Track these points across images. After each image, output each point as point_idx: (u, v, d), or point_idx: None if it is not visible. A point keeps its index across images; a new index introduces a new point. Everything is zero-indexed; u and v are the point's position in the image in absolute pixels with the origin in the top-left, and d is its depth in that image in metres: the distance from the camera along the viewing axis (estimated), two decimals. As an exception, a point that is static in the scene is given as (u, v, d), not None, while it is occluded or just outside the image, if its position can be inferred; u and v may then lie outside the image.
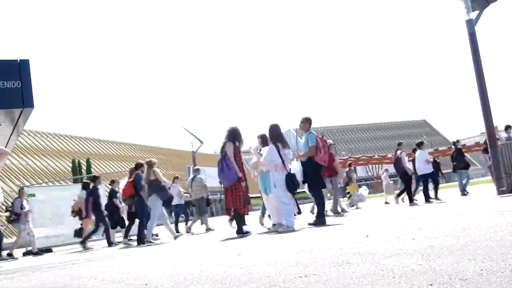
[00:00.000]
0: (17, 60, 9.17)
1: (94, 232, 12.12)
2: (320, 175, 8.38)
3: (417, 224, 5.68)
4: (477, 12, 11.94)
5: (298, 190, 8.21)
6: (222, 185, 8.35)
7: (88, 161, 51.13)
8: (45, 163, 52.10)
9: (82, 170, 47.66)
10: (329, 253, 3.87)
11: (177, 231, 12.80)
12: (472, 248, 3.14)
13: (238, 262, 4.15)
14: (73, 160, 49.62)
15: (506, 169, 11.30)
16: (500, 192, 11.12)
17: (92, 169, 50.73)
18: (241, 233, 8.08)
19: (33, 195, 15.46)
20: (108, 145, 68.06)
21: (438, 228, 4.90)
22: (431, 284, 2.27)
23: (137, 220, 10.65)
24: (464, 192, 14.14)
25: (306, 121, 8.54)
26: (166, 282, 3.48)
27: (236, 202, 8.17)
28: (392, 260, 3.10)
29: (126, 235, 11.12)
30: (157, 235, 12.38)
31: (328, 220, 8.44)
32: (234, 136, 8.36)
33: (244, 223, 8.55)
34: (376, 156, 71.34)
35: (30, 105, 9.12)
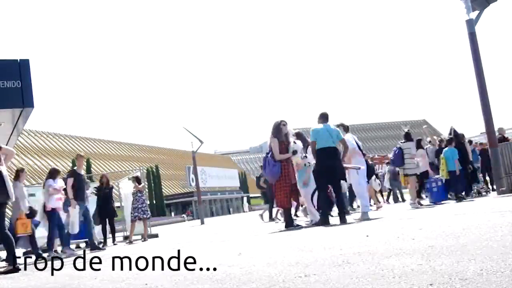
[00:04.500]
0: (17, 60, 9.16)
1: None
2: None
3: (417, 224, 5.67)
4: (477, 12, 11.95)
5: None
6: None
7: (88, 161, 51.16)
8: (45, 163, 52.07)
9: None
10: (329, 253, 3.87)
11: None
12: (472, 248, 3.14)
13: (238, 262, 4.15)
14: (73, 160, 49.58)
15: (506, 169, 11.29)
16: (500, 192, 11.12)
17: (92, 169, 50.77)
18: (291, 225, 8.10)
19: (33, 195, 15.42)
20: (108, 145, 68.10)
21: (438, 228, 4.90)
22: (431, 284, 2.27)
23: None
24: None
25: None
26: (166, 282, 3.48)
27: (280, 196, 8.15)
28: (392, 260, 3.10)
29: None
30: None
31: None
32: (276, 130, 8.28)
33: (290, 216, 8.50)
34: (376, 156, 71.32)
35: (30, 105, 9.12)
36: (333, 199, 8.14)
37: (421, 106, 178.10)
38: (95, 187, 13.35)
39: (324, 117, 8.16)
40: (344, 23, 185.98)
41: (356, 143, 8.61)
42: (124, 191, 15.62)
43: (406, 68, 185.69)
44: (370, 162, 12.77)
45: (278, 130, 8.24)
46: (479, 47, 11.85)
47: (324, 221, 7.61)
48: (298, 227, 8.12)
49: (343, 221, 7.54)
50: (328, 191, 7.95)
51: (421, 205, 10.35)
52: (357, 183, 8.39)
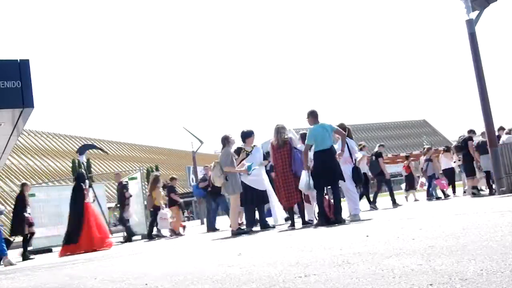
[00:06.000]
0: (17, 60, 9.16)
1: None
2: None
3: (417, 224, 5.68)
4: (477, 12, 11.93)
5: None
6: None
7: (88, 161, 51.23)
8: (45, 163, 52.12)
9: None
10: (329, 253, 3.87)
11: None
12: (472, 248, 3.14)
13: (238, 262, 4.15)
14: (73, 160, 49.73)
15: (506, 169, 11.29)
16: (500, 192, 11.12)
17: (92, 169, 50.82)
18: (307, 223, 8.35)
19: (33, 195, 15.44)
20: (108, 145, 68.13)
21: (438, 228, 4.90)
22: (431, 284, 2.27)
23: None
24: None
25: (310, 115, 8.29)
26: (166, 282, 3.48)
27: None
28: (392, 260, 3.10)
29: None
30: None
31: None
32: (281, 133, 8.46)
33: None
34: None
35: (30, 105, 9.11)
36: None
37: (421, 106, 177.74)
38: None
39: (315, 116, 8.18)
40: (344, 23, 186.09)
41: (349, 149, 8.56)
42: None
43: (406, 68, 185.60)
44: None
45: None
46: (479, 47, 11.84)
47: (322, 222, 7.65)
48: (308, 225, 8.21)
49: (338, 220, 7.60)
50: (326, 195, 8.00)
51: None
52: (345, 187, 8.56)
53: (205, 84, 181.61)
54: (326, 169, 7.75)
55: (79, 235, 10.15)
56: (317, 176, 7.87)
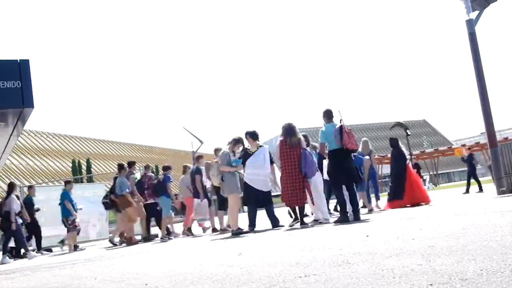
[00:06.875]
0: (17, 60, 9.15)
1: None
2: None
3: (417, 224, 5.67)
4: (477, 12, 11.93)
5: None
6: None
7: (88, 161, 51.25)
8: (45, 163, 52.13)
9: (82, 170, 47.74)
10: (329, 253, 3.87)
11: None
12: (472, 248, 3.14)
13: (238, 262, 4.15)
14: (73, 160, 49.74)
15: (506, 169, 11.29)
16: (500, 192, 11.11)
17: (92, 169, 50.84)
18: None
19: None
20: (108, 145, 68.20)
21: (438, 228, 4.90)
22: (431, 284, 2.27)
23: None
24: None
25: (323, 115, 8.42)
26: (166, 282, 3.48)
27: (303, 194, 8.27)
28: (392, 260, 3.10)
29: None
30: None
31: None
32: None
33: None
34: (376, 156, 71.31)
35: (30, 105, 9.09)
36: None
37: (421, 106, 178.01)
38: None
39: (328, 115, 8.28)
40: (344, 23, 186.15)
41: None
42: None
43: (406, 68, 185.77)
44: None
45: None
46: (479, 47, 11.84)
47: (344, 219, 7.74)
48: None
49: (356, 218, 7.78)
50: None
51: None
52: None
53: (205, 84, 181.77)
54: (344, 168, 7.89)
55: (403, 192, 10.99)
56: (335, 174, 7.99)
